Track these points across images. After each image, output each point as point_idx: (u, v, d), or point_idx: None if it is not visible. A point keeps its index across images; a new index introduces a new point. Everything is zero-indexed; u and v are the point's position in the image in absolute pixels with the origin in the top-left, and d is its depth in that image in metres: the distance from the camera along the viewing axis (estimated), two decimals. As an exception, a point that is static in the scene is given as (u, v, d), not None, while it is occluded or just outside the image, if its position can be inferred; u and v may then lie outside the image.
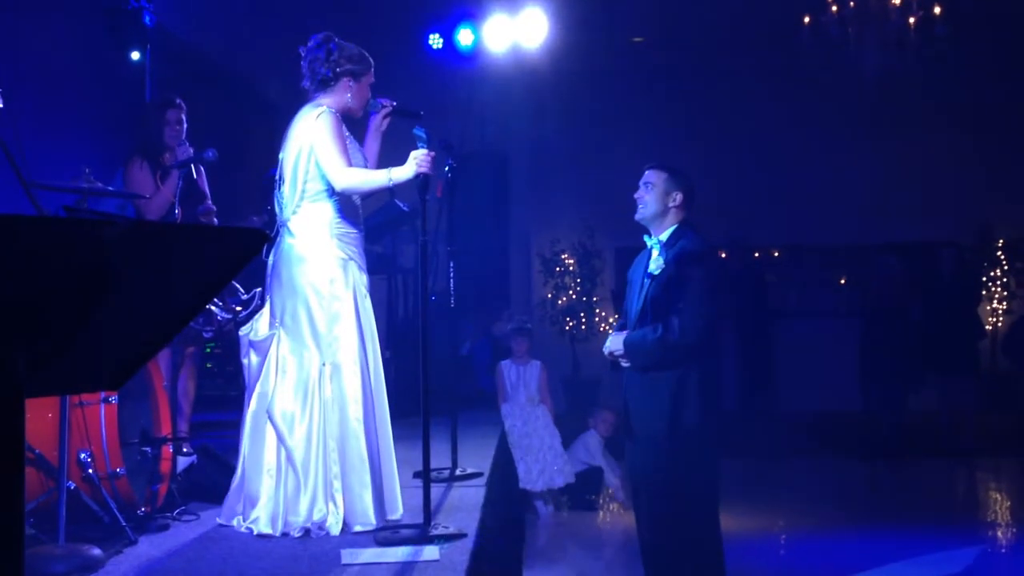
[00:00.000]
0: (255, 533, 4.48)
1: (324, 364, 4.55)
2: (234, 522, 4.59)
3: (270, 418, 4.56)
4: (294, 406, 4.54)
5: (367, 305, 4.71)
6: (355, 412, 4.52)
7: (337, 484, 4.48)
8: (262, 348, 4.64)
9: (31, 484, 4.26)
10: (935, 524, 8.22)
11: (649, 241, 4.98)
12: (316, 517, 4.45)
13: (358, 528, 4.46)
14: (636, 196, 4.99)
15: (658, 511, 4.92)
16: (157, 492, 4.87)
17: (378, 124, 4.92)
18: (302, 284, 4.58)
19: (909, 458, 10.64)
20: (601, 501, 8.79)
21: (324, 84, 4.73)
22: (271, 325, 4.65)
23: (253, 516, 4.52)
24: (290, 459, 4.50)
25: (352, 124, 4.91)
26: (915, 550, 7.41)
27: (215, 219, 6.01)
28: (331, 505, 4.47)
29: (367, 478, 4.49)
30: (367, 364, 4.61)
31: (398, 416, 4.83)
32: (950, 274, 11.29)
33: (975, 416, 10.96)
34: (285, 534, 4.44)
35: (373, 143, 4.95)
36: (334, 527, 4.44)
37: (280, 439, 4.53)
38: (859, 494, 9.82)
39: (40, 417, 4.35)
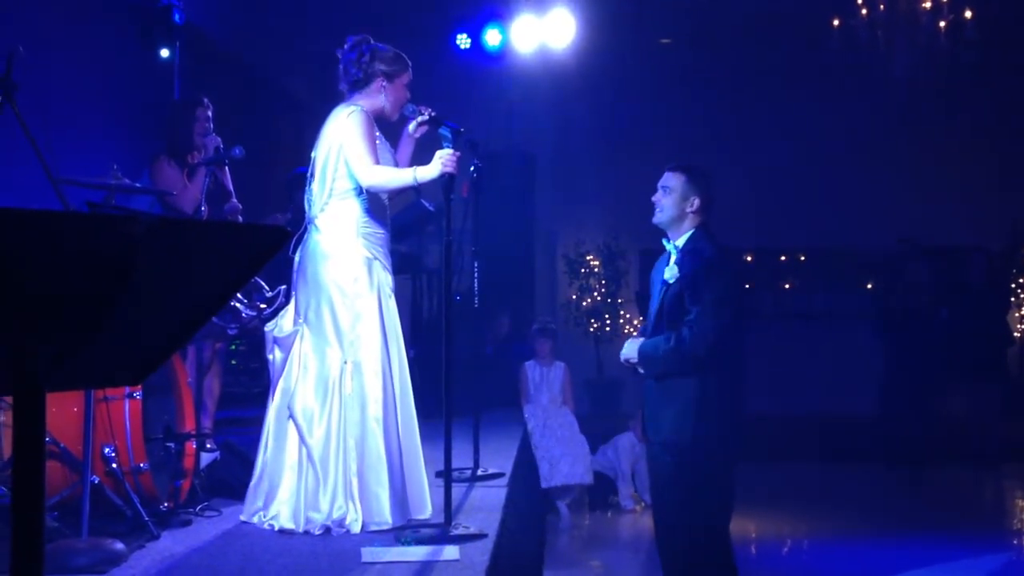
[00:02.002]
0: (277, 528, 4.50)
1: (345, 362, 4.56)
2: (255, 518, 4.61)
3: (291, 414, 4.58)
4: (315, 403, 4.56)
5: (391, 305, 4.72)
6: (374, 411, 4.53)
7: (356, 482, 4.49)
8: (286, 344, 4.67)
9: (55, 478, 4.29)
10: (959, 531, 8.15)
11: (668, 245, 4.95)
12: (336, 515, 4.46)
13: (374, 527, 4.46)
14: (654, 199, 4.94)
15: (669, 516, 4.91)
16: (180, 488, 4.90)
17: (413, 130, 4.93)
18: (326, 281, 4.60)
19: (934, 464, 10.56)
20: (620, 503, 8.77)
21: (357, 85, 4.77)
22: (295, 321, 4.68)
23: (274, 512, 4.54)
24: (310, 456, 4.52)
25: (387, 128, 4.93)
26: (939, 557, 7.35)
27: (240, 217, 6.04)
28: (351, 503, 4.48)
29: (384, 477, 4.50)
30: (389, 364, 4.62)
31: (421, 416, 4.84)
32: (979, 280, 11.20)
33: (1002, 423, 10.86)
34: (307, 531, 4.46)
35: (406, 147, 4.97)
36: (354, 525, 4.46)
37: (300, 435, 4.55)
38: (882, 499, 9.75)
39: (65, 411, 4.38)
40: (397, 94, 4.81)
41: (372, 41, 4.80)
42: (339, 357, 4.57)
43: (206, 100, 6.07)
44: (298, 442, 4.58)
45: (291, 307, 4.76)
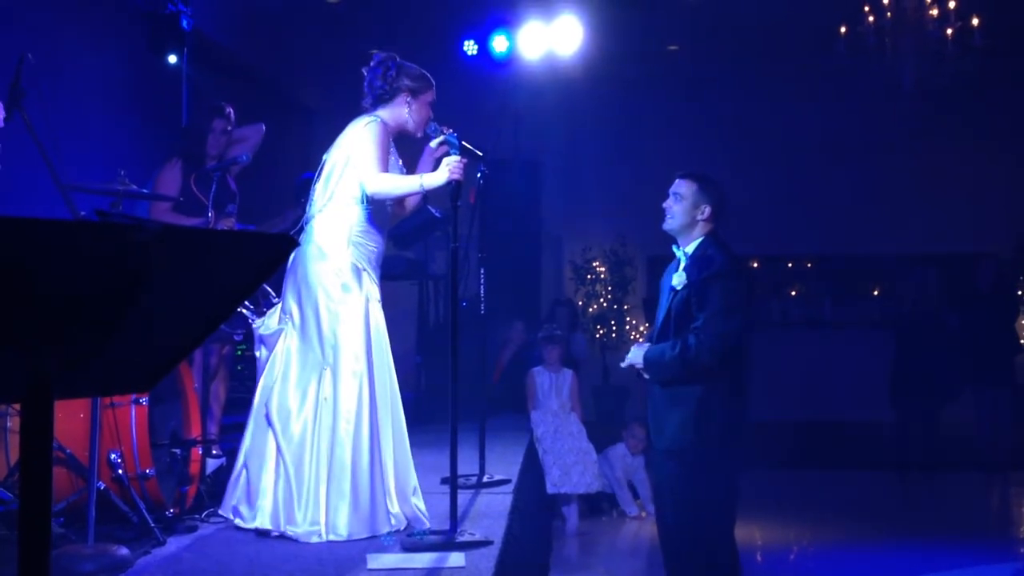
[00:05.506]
0: (255, 528, 4.47)
1: (325, 367, 4.53)
2: (236, 520, 4.57)
3: (267, 412, 4.55)
4: (292, 404, 4.52)
5: (378, 314, 4.67)
6: (347, 419, 4.45)
7: (323, 490, 4.44)
8: (271, 342, 4.65)
9: (62, 484, 4.29)
10: (968, 539, 8.12)
11: (677, 252, 4.95)
12: (312, 520, 4.42)
13: (331, 537, 4.39)
14: (664, 205, 4.95)
15: (672, 523, 4.90)
16: (186, 493, 4.90)
17: (434, 149, 4.91)
18: (313, 283, 4.57)
19: (942, 471, 10.52)
20: (624, 510, 8.76)
21: (381, 99, 4.77)
22: (280, 319, 4.66)
23: (255, 518, 4.51)
24: (285, 461, 4.49)
25: (409, 146, 4.93)
26: (947, 565, 7.33)
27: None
28: (321, 509, 4.44)
29: (346, 487, 4.42)
30: (371, 373, 4.54)
31: (428, 421, 4.83)
32: (987, 286, 11.16)
33: (1010, 430, 10.82)
34: (283, 535, 4.42)
35: (426, 165, 4.94)
36: (323, 532, 4.41)
37: (275, 435, 4.52)
38: (890, 506, 9.73)
39: (71, 417, 4.39)
40: (421, 111, 4.81)
41: (397, 58, 4.81)
42: (319, 360, 4.54)
43: (229, 110, 6.04)
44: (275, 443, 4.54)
45: (279, 305, 4.75)
